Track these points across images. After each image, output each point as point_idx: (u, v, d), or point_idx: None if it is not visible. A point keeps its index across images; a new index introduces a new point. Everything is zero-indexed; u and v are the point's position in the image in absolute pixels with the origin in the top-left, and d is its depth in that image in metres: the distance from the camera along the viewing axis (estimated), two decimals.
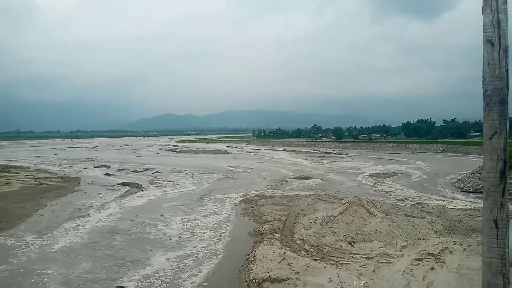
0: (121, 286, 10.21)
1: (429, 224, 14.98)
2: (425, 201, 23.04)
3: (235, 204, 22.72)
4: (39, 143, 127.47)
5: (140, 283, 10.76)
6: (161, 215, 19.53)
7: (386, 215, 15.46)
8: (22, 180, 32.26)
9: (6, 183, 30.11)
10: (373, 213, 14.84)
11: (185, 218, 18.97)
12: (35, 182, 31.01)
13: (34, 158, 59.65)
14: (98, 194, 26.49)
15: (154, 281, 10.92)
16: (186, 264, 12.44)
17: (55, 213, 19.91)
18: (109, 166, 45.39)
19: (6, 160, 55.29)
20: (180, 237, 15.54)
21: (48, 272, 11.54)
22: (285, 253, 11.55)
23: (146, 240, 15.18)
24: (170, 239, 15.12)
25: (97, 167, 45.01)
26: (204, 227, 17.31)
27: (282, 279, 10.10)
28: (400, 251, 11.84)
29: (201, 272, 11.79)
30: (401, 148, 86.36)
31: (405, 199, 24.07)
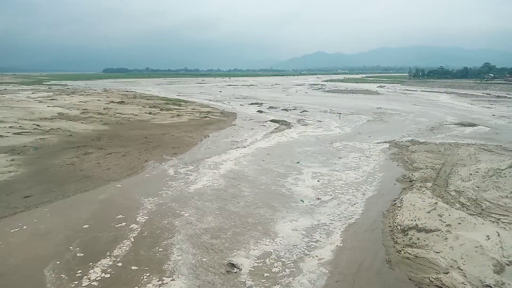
0: (232, 264, 8.35)
1: None
2: None
3: (383, 149, 20.66)
4: (203, 80, 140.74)
5: (255, 263, 8.54)
6: (297, 162, 17.60)
7: None
8: (190, 113, 35.70)
9: (178, 115, 33.88)
10: None
11: (319, 172, 16.43)
12: (200, 115, 33.89)
13: (199, 94, 65.74)
14: (251, 129, 27.28)
15: (273, 263, 8.52)
16: (316, 238, 9.78)
17: (209, 146, 21.01)
18: (261, 104, 46.24)
19: (177, 95, 62.99)
20: (318, 199, 12.67)
21: (184, 214, 11.15)
22: (436, 203, 10.49)
23: (276, 195, 13.10)
24: (301, 201, 12.40)
25: (251, 104, 46.45)
26: (345, 178, 14.91)
27: (431, 230, 9.17)
28: None
29: (333, 243, 9.53)
30: None
31: None
